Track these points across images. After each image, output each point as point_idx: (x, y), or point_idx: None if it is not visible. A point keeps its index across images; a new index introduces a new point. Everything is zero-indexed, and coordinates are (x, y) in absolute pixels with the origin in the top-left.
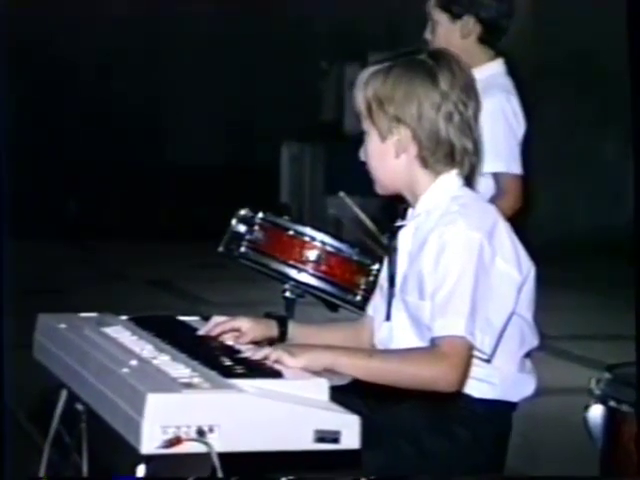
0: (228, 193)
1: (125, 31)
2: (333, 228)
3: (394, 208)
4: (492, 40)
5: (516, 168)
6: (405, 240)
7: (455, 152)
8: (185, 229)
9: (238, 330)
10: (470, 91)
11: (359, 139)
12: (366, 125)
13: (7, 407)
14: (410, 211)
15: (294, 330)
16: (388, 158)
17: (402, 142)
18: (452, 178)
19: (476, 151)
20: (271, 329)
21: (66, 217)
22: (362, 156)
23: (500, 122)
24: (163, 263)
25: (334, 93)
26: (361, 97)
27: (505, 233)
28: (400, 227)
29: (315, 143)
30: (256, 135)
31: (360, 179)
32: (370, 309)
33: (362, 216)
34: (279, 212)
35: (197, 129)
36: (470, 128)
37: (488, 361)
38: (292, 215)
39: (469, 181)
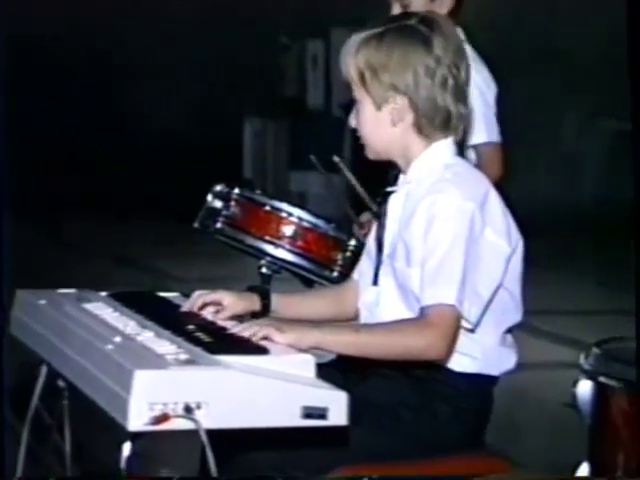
0: (191, 170)
1: (85, 11)
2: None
3: (362, 184)
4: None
5: (494, 137)
6: (395, 206)
7: (452, 118)
8: (149, 206)
9: (219, 304)
10: (461, 53)
11: (322, 115)
12: (358, 94)
13: None
14: (401, 177)
15: (277, 301)
16: (384, 126)
17: (399, 110)
18: (446, 146)
19: (469, 114)
20: (253, 302)
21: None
22: (353, 123)
23: (472, 93)
24: (128, 240)
25: (296, 69)
26: (352, 65)
27: (496, 203)
28: (391, 192)
29: (278, 119)
30: (218, 111)
31: (323, 155)
32: (356, 273)
33: (354, 182)
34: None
35: (161, 106)
36: (463, 92)
37: (472, 331)
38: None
39: (461, 146)
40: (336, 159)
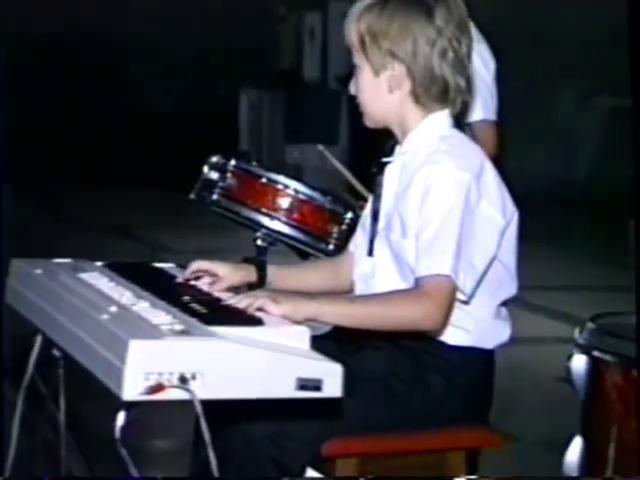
0: (188, 142)
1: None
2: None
3: (354, 157)
4: None
5: (490, 115)
6: (391, 177)
7: (449, 90)
8: (146, 176)
9: (215, 275)
10: (464, 27)
11: (318, 87)
12: (358, 59)
13: None
14: (398, 148)
15: (273, 273)
16: (381, 93)
17: (396, 78)
18: (442, 117)
19: (469, 88)
20: (250, 274)
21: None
22: (352, 90)
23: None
24: (124, 210)
25: (293, 41)
26: (354, 30)
27: (492, 176)
28: (387, 163)
29: (274, 91)
30: (215, 82)
31: (318, 127)
32: (351, 245)
33: (342, 168)
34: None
35: (159, 79)
36: (463, 65)
37: (466, 303)
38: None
39: (460, 120)
40: (320, 147)
